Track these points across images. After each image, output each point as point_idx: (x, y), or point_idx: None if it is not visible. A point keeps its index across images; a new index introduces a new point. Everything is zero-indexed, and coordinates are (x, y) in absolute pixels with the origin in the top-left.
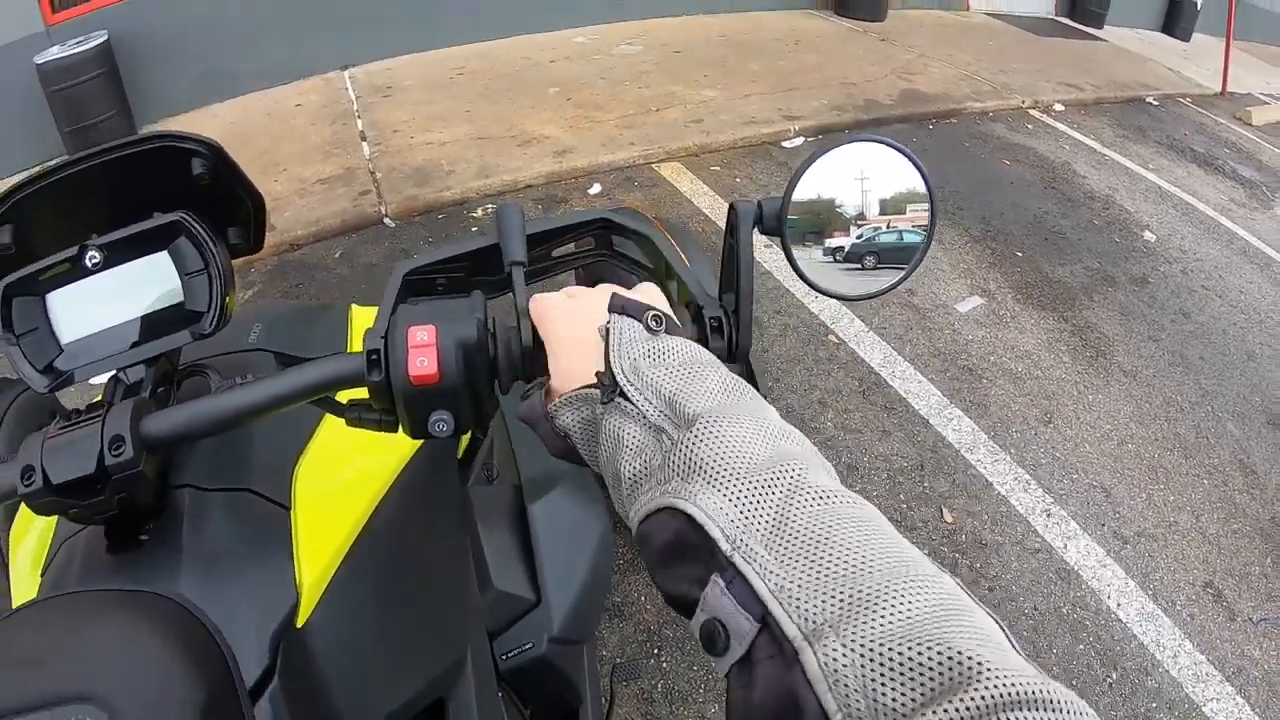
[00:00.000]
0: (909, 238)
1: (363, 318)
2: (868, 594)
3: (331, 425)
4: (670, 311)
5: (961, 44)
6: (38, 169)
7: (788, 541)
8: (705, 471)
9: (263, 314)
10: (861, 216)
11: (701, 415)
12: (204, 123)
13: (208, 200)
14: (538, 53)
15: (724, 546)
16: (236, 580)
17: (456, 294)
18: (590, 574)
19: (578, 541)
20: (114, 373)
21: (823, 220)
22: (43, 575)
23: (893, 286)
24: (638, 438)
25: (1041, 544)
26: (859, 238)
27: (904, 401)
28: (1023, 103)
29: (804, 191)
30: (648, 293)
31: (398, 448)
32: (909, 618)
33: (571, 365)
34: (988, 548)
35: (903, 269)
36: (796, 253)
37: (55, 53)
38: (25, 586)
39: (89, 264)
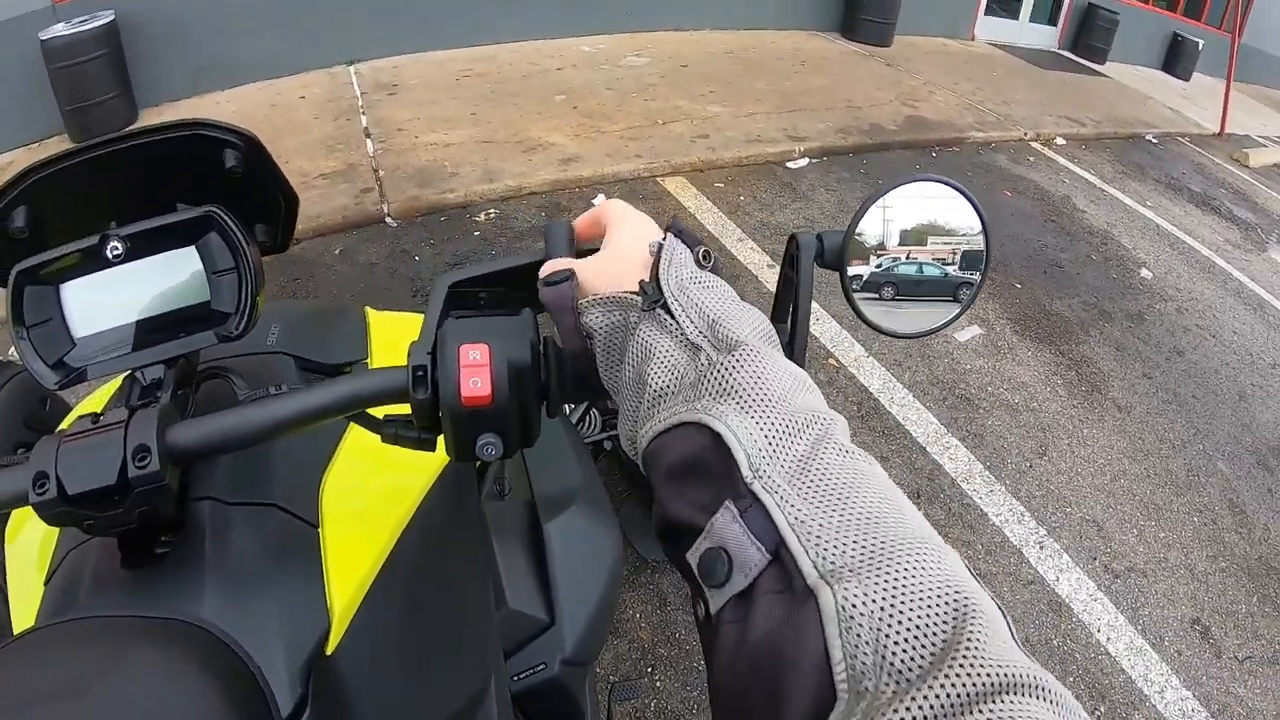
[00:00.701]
0: (963, 275)
1: (380, 323)
2: (891, 548)
3: (356, 438)
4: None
5: (966, 73)
6: (57, 151)
7: (813, 482)
8: (740, 396)
9: (278, 314)
10: (917, 254)
11: (744, 343)
12: (206, 110)
13: (236, 194)
14: (545, 59)
15: (745, 471)
16: (265, 603)
17: (502, 309)
18: (604, 595)
19: (593, 562)
20: (130, 372)
21: (877, 256)
22: (46, 582)
23: (948, 323)
24: (671, 353)
25: (1034, 576)
26: (914, 275)
27: (902, 428)
28: (1024, 134)
29: (862, 227)
30: None
31: (425, 464)
32: (929, 581)
33: (612, 271)
34: (981, 578)
35: (957, 305)
36: (854, 288)
37: (61, 29)
38: (27, 591)
39: (110, 255)
